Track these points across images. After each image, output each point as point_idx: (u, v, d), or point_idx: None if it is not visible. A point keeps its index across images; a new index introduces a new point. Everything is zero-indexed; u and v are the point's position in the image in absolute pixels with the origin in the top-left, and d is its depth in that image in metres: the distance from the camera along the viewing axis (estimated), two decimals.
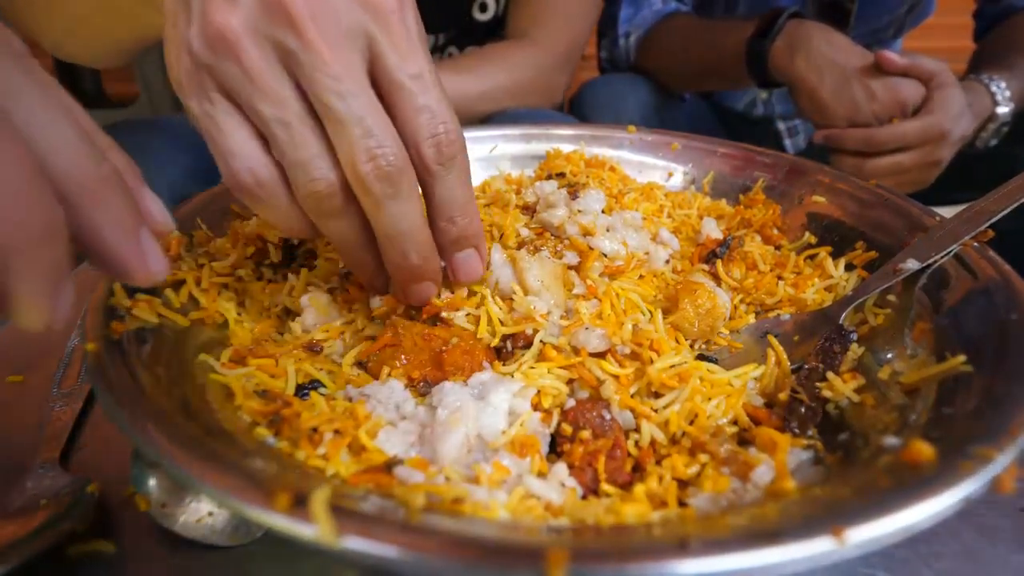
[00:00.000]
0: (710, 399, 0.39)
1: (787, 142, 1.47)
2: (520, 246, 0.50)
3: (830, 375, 0.41)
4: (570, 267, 0.49)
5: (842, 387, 0.40)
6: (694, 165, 0.70)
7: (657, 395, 0.39)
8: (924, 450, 0.29)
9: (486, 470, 0.33)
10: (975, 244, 0.44)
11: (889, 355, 0.43)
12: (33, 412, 0.49)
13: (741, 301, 0.51)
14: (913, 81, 0.99)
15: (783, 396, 0.40)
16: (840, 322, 0.44)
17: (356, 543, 0.24)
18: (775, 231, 0.59)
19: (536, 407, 0.39)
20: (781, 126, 1.47)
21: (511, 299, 0.45)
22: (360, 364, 0.43)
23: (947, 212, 0.50)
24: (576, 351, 0.41)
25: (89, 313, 0.37)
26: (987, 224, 0.44)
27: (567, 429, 0.38)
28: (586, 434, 0.37)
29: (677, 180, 0.71)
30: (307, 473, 0.32)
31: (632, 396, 0.39)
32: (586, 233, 0.50)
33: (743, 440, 0.38)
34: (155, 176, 0.89)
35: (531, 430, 0.37)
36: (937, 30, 1.59)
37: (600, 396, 0.39)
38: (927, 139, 0.97)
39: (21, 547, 0.35)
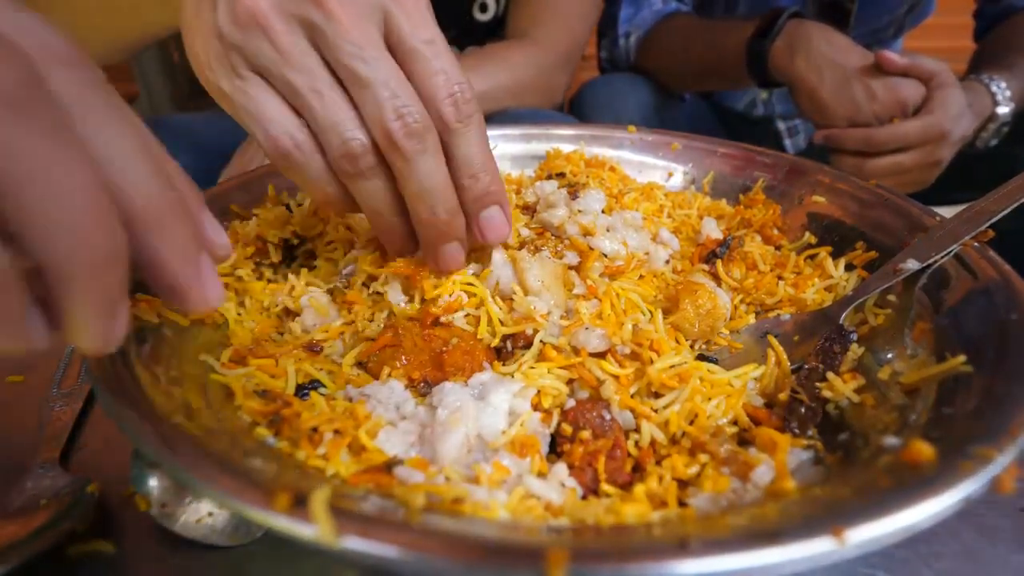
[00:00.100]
0: (710, 399, 0.39)
1: (787, 142, 1.47)
2: (520, 246, 0.50)
3: (830, 375, 0.41)
4: (570, 267, 0.49)
5: (842, 387, 0.40)
6: (694, 165, 0.70)
7: (657, 395, 0.39)
8: (924, 450, 0.29)
9: (486, 470, 0.33)
10: (975, 244, 0.44)
11: (889, 355, 0.43)
12: (33, 412, 0.49)
13: (741, 301, 0.51)
14: (913, 81, 0.99)
15: (783, 396, 0.40)
16: (840, 322, 0.44)
17: (356, 543, 0.24)
18: (775, 231, 0.59)
19: (536, 407, 0.39)
20: (781, 126, 1.47)
21: (511, 299, 0.45)
22: (360, 364, 0.43)
23: (947, 212, 0.50)
24: (576, 351, 0.41)
25: None
26: (987, 224, 0.44)
27: (567, 429, 0.38)
28: (586, 434, 0.37)
29: (677, 180, 0.71)
30: (307, 473, 0.32)
31: (632, 396, 0.39)
32: (586, 233, 0.50)
33: (743, 440, 0.38)
34: None
35: (531, 430, 0.37)
36: (937, 30, 1.59)
37: (600, 396, 0.39)
38: (927, 139, 0.97)
39: (21, 547, 0.35)
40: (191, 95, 2.17)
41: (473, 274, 0.47)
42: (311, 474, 0.32)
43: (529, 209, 0.58)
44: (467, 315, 0.45)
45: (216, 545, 0.38)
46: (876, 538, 0.24)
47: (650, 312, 0.46)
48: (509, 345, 0.43)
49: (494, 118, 1.08)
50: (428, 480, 0.32)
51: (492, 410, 0.36)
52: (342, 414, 0.35)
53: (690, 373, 0.39)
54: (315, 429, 0.34)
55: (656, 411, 0.38)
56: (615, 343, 0.41)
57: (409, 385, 0.40)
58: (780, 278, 0.52)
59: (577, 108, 1.32)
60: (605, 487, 0.35)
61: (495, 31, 1.25)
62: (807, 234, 0.58)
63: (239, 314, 0.46)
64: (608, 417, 0.38)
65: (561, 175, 0.63)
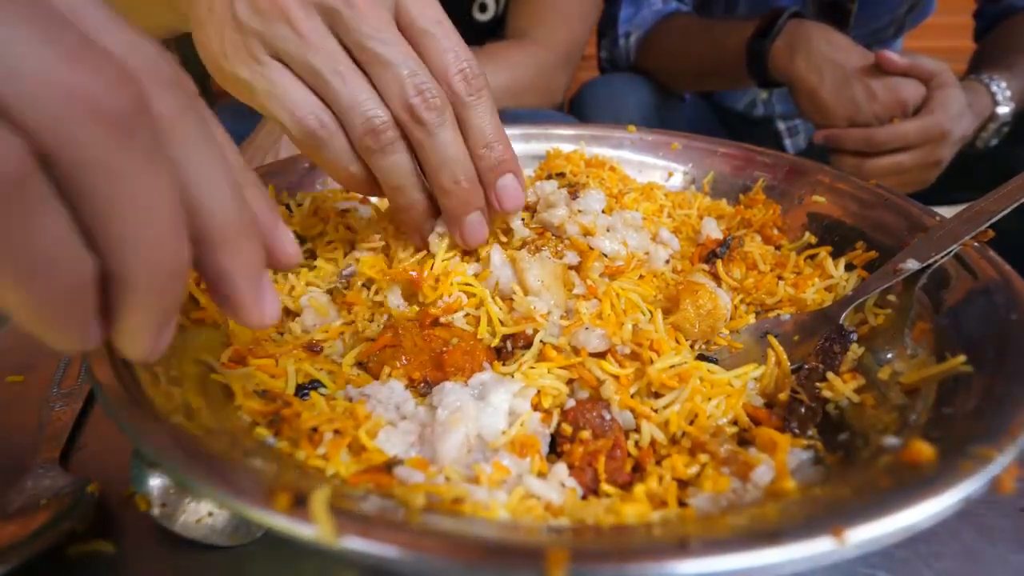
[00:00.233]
0: (710, 399, 0.39)
1: (787, 142, 1.47)
2: (520, 246, 0.50)
3: (830, 375, 0.41)
4: (570, 267, 0.49)
5: (842, 387, 0.40)
6: (694, 165, 0.70)
7: (657, 395, 0.39)
8: (924, 450, 0.29)
9: (486, 470, 0.33)
10: (975, 244, 0.44)
11: (889, 355, 0.43)
12: (33, 412, 0.49)
13: (741, 301, 0.51)
14: (913, 81, 0.99)
15: (783, 396, 0.40)
16: (840, 322, 0.44)
17: (356, 543, 0.24)
18: (775, 231, 0.59)
19: (536, 407, 0.39)
20: (781, 126, 1.47)
21: (511, 299, 0.45)
22: (360, 364, 0.43)
23: (947, 212, 0.50)
24: (576, 351, 0.41)
25: None
26: (987, 224, 0.44)
27: (567, 429, 0.38)
28: (586, 434, 0.37)
29: (677, 180, 0.71)
30: (307, 473, 0.32)
31: (632, 396, 0.39)
32: (586, 233, 0.50)
33: (743, 440, 0.38)
34: None
35: (531, 430, 0.37)
36: (937, 30, 1.59)
37: (600, 396, 0.39)
38: (927, 139, 0.97)
39: (21, 547, 0.35)
40: None
41: (473, 274, 0.47)
42: (311, 474, 0.32)
43: (529, 209, 0.58)
44: (467, 315, 0.45)
45: (216, 545, 0.38)
46: (876, 538, 0.24)
47: (650, 312, 0.46)
48: (509, 345, 0.43)
49: None
50: (428, 480, 0.32)
51: (492, 410, 0.36)
52: (342, 414, 0.35)
53: (690, 373, 0.39)
54: (315, 429, 0.34)
55: (656, 411, 0.38)
56: (615, 343, 0.41)
57: (409, 385, 0.40)
58: (780, 278, 0.52)
59: (577, 108, 1.32)
60: (605, 487, 0.35)
61: (495, 31, 1.25)
62: (807, 234, 0.58)
63: None
64: (608, 417, 0.38)
65: (561, 175, 0.63)
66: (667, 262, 0.54)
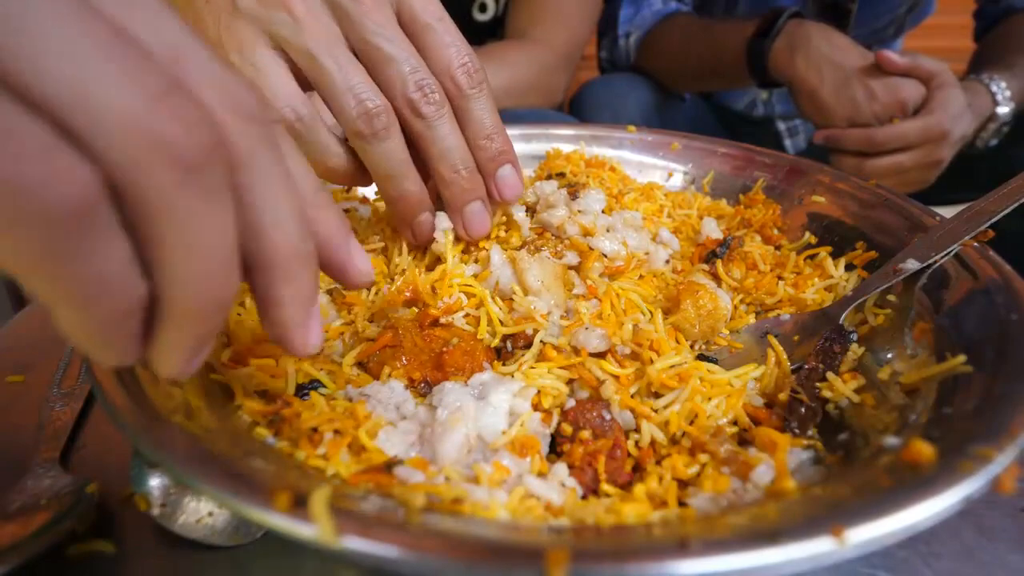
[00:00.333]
0: (710, 399, 0.39)
1: (787, 142, 1.47)
2: (520, 246, 0.50)
3: (830, 375, 0.41)
4: (570, 267, 0.49)
5: (842, 387, 0.40)
6: (694, 165, 0.70)
7: (657, 395, 0.39)
8: (924, 450, 0.29)
9: (486, 470, 0.33)
10: (975, 244, 0.44)
11: (889, 355, 0.43)
12: (33, 412, 0.49)
13: (741, 301, 0.51)
14: (913, 81, 0.99)
15: (783, 396, 0.40)
16: (840, 322, 0.44)
17: (356, 543, 0.24)
18: (775, 231, 0.59)
19: (536, 407, 0.39)
20: (781, 126, 1.47)
21: (511, 299, 0.45)
22: (360, 364, 0.43)
23: (947, 212, 0.50)
24: (576, 351, 0.41)
25: None
26: (987, 224, 0.44)
27: (567, 429, 0.38)
28: (586, 434, 0.37)
29: (677, 180, 0.71)
30: (307, 473, 0.32)
31: (632, 396, 0.39)
32: (586, 233, 0.50)
33: (743, 440, 0.38)
34: None
35: (531, 430, 0.37)
36: (937, 30, 1.59)
37: (600, 396, 0.39)
38: (927, 139, 0.97)
39: (21, 547, 0.35)
40: None
41: (472, 275, 0.47)
42: (311, 474, 0.32)
43: (529, 209, 0.58)
44: (467, 315, 0.45)
45: (216, 545, 0.38)
46: (876, 538, 0.24)
47: (650, 312, 0.46)
48: (509, 345, 0.43)
49: None
50: (428, 480, 0.32)
51: (492, 410, 0.36)
52: (342, 414, 0.35)
53: (690, 373, 0.39)
54: (315, 429, 0.34)
55: (656, 411, 0.38)
56: (615, 343, 0.41)
57: (409, 385, 0.40)
58: (780, 278, 0.52)
59: (577, 108, 1.32)
60: (605, 487, 0.35)
61: (495, 31, 1.25)
62: (807, 234, 0.58)
63: (239, 314, 0.46)
64: (608, 417, 0.38)
65: (561, 175, 0.63)
66: (667, 262, 0.54)
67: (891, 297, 0.46)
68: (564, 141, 0.73)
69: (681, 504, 0.34)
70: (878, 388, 0.40)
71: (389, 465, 0.32)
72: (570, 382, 0.41)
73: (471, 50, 0.45)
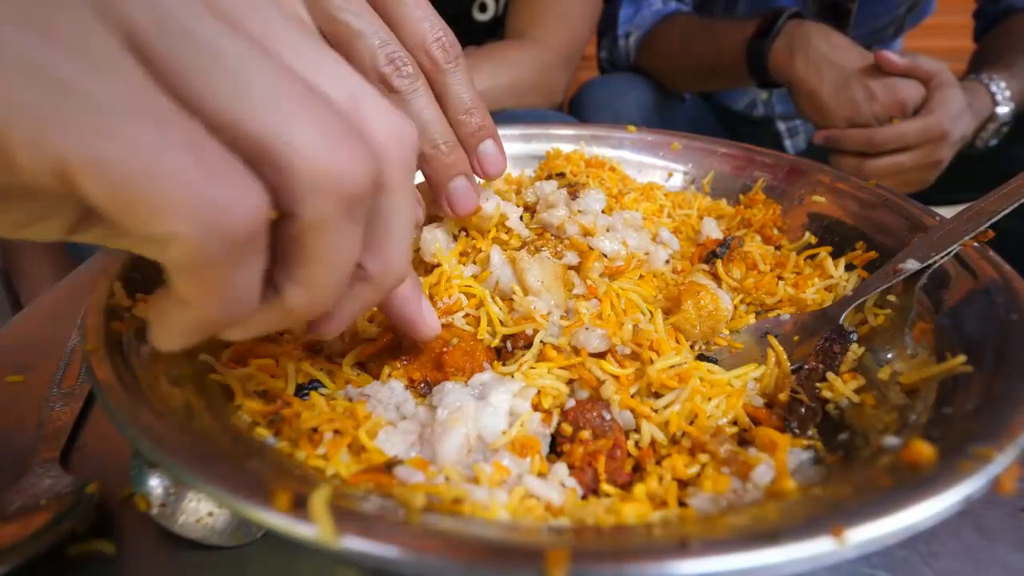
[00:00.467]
0: (710, 399, 0.39)
1: (787, 143, 1.47)
2: (520, 246, 0.50)
3: (830, 375, 0.41)
4: (570, 267, 0.49)
5: (842, 387, 0.40)
6: (694, 165, 0.70)
7: (657, 395, 0.39)
8: (924, 450, 0.29)
9: (486, 470, 0.33)
10: (975, 244, 0.44)
11: (889, 355, 0.43)
12: (33, 412, 0.49)
13: (741, 301, 0.51)
14: (913, 81, 0.99)
15: (783, 396, 0.40)
16: (840, 322, 0.44)
17: (356, 543, 0.24)
18: (775, 231, 0.59)
19: (536, 407, 0.39)
20: (781, 126, 1.47)
21: (511, 299, 0.45)
22: (360, 364, 0.43)
23: (947, 212, 0.50)
24: (576, 351, 0.41)
25: (89, 313, 0.37)
26: (987, 224, 0.44)
27: (567, 429, 0.38)
28: (586, 434, 0.37)
29: (677, 180, 0.71)
30: (307, 473, 0.32)
31: (632, 396, 0.39)
32: (586, 233, 0.50)
33: (743, 440, 0.38)
34: None
35: (531, 430, 0.37)
36: (937, 30, 1.59)
37: (600, 396, 0.39)
38: (927, 139, 0.97)
39: (21, 548, 0.35)
40: None
41: (472, 275, 0.47)
42: (311, 474, 0.32)
43: (529, 209, 0.58)
44: (467, 315, 0.45)
45: (216, 545, 0.38)
46: (876, 538, 0.24)
47: (650, 312, 0.46)
48: (509, 345, 0.43)
49: (494, 118, 1.08)
50: (428, 480, 0.32)
51: (492, 410, 0.36)
52: (342, 414, 0.35)
53: (690, 373, 0.39)
54: (315, 429, 0.34)
55: (656, 411, 0.38)
56: (615, 343, 0.41)
57: (409, 385, 0.40)
58: (780, 278, 0.52)
59: (576, 108, 1.32)
60: (605, 487, 0.35)
61: (495, 31, 1.25)
62: (807, 234, 0.58)
63: None
64: (608, 417, 0.38)
65: (561, 175, 0.63)
66: (667, 262, 0.54)
67: (891, 297, 0.46)
68: (564, 141, 0.73)
69: (681, 504, 0.34)
70: (878, 388, 0.40)
71: (389, 465, 0.32)
72: (570, 382, 0.41)
73: (445, 25, 0.44)
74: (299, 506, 0.25)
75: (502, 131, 0.73)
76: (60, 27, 0.19)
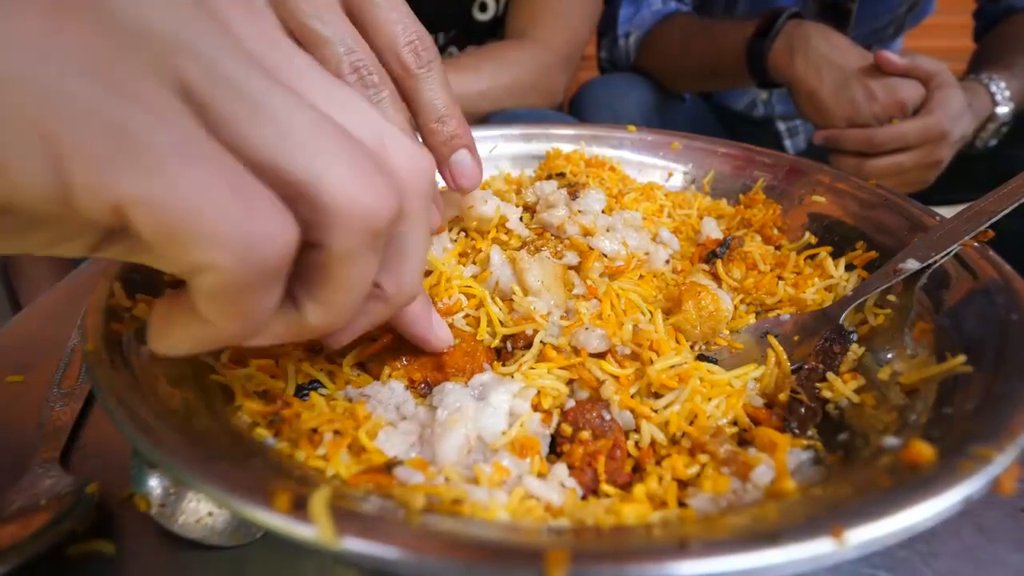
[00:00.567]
0: (710, 399, 0.39)
1: (787, 143, 1.47)
2: (520, 246, 0.50)
3: (830, 375, 0.41)
4: (570, 267, 0.49)
5: (842, 387, 0.40)
6: (694, 165, 0.70)
7: (657, 395, 0.39)
8: (924, 450, 0.29)
9: (486, 471, 0.33)
10: (975, 244, 0.44)
11: (889, 355, 0.43)
12: (33, 412, 0.49)
13: (741, 301, 0.51)
14: (913, 81, 0.99)
15: (783, 396, 0.40)
16: (840, 322, 0.44)
17: (356, 544, 0.24)
18: (775, 231, 0.59)
19: (536, 408, 0.39)
20: (781, 126, 1.47)
21: (511, 300, 0.45)
22: (360, 365, 0.43)
23: (947, 212, 0.50)
24: (576, 351, 0.41)
25: (89, 313, 0.37)
26: (987, 224, 0.44)
27: (567, 429, 0.38)
28: (586, 434, 0.37)
29: (677, 180, 0.71)
30: (307, 474, 0.32)
31: (632, 396, 0.39)
32: (586, 233, 0.50)
33: (743, 440, 0.38)
34: None
35: (531, 431, 0.37)
36: (937, 30, 1.59)
37: (600, 396, 0.39)
38: (927, 139, 0.97)
39: (21, 548, 0.35)
40: None
41: (472, 276, 0.47)
42: (311, 475, 0.32)
43: (529, 209, 0.58)
44: (466, 315, 0.45)
45: (216, 545, 0.38)
46: (876, 538, 0.24)
47: (650, 312, 0.46)
48: (509, 345, 0.43)
49: (494, 118, 1.08)
50: (428, 481, 0.32)
51: (492, 410, 0.36)
52: (342, 414, 0.35)
53: (690, 373, 0.39)
54: (315, 429, 0.34)
55: (656, 411, 0.38)
56: (615, 343, 0.41)
57: (409, 386, 0.40)
58: (780, 278, 0.52)
59: (576, 108, 1.32)
60: (605, 487, 0.35)
61: (495, 31, 1.25)
62: (807, 234, 0.58)
63: None
64: (608, 417, 0.38)
65: (561, 175, 0.63)
66: (667, 262, 0.54)
67: (891, 297, 0.46)
68: (564, 141, 0.73)
69: (681, 504, 0.34)
70: (878, 388, 0.40)
71: (389, 466, 0.32)
72: (570, 382, 0.41)
73: (420, 27, 0.43)
74: (299, 507, 0.25)
75: (502, 131, 0.73)
76: (119, 79, 0.20)
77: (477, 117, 1.08)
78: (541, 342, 0.42)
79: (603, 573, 0.23)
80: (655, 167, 0.71)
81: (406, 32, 0.43)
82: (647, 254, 0.52)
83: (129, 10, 0.21)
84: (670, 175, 0.71)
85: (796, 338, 0.45)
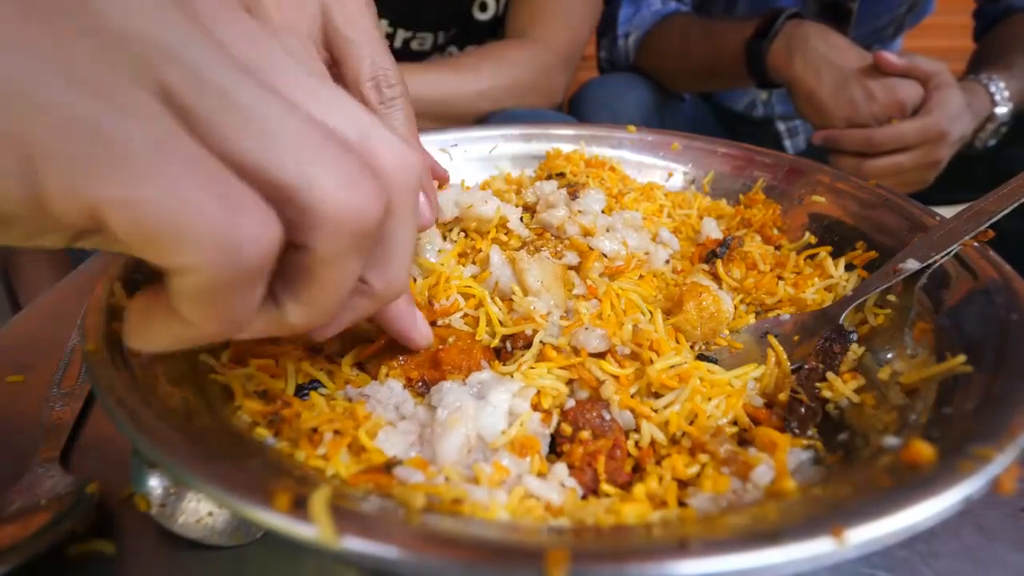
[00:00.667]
0: (710, 399, 0.39)
1: (787, 143, 1.47)
2: (520, 246, 0.50)
3: (830, 375, 0.41)
4: (570, 267, 0.49)
5: (842, 387, 0.40)
6: (694, 165, 0.70)
7: (657, 395, 0.39)
8: (924, 450, 0.29)
9: (486, 470, 0.33)
10: (975, 244, 0.44)
11: (889, 355, 0.43)
12: (33, 412, 0.49)
13: (741, 301, 0.51)
14: (912, 82, 0.99)
15: (783, 396, 0.40)
16: (840, 322, 0.44)
17: (356, 543, 0.24)
18: (775, 231, 0.59)
19: (536, 407, 0.39)
20: (781, 126, 1.47)
21: (511, 300, 0.45)
22: (359, 364, 0.43)
23: (947, 212, 0.50)
24: (576, 351, 0.41)
25: (89, 313, 0.37)
26: (987, 224, 0.44)
27: (567, 429, 0.38)
28: (586, 434, 0.37)
29: (677, 180, 0.71)
30: (307, 473, 0.32)
31: (632, 396, 0.39)
32: (586, 233, 0.50)
33: (743, 440, 0.38)
34: None
35: (531, 430, 0.37)
36: (937, 30, 1.59)
37: (600, 396, 0.39)
38: (926, 139, 0.97)
39: (21, 548, 0.35)
40: None
41: (471, 276, 0.47)
42: (311, 474, 0.32)
43: (529, 209, 0.58)
44: (465, 316, 0.45)
45: (216, 545, 0.38)
46: (876, 538, 0.24)
47: (650, 312, 0.46)
48: (509, 345, 0.43)
49: (494, 118, 1.08)
50: (428, 480, 0.32)
51: (492, 410, 0.36)
52: (342, 414, 0.35)
53: (690, 373, 0.39)
54: (315, 429, 0.34)
55: (656, 411, 0.38)
56: (615, 343, 0.41)
57: (407, 385, 0.40)
58: (780, 278, 0.52)
59: (576, 108, 1.32)
60: (605, 487, 0.35)
61: (495, 30, 1.25)
62: (807, 234, 0.58)
63: None
64: (608, 417, 0.38)
65: (561, 175, 0.63)
66: (667, 262, 0.54)
67: (891, 297, 0.46)
68: (564, 141, 0.73)
69: (681, 504, 0.34)
70: (878, 388, 0.40)
71: (389, 465, 0.32)
72: (570, 382, 0.41)
73: (390, 63, 0.44)
74: (299, 506, 0.25)
75: (502, 131, 0.73)
76: (95, 81, 0.20)
77: (477, 117, 1.08)
78: (541, 342, 0.42)
79: (603, 573, 0.23)
80: (655, 167, 0.71)
81: (372, 68, 0.44)
82: (647, 254, 0.52)
83: (112, 13, 0.21)
84: (670, 175, 0.71)
85: (796, 338, 0.45)
